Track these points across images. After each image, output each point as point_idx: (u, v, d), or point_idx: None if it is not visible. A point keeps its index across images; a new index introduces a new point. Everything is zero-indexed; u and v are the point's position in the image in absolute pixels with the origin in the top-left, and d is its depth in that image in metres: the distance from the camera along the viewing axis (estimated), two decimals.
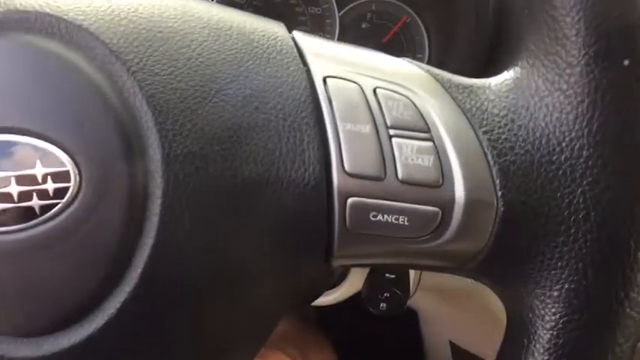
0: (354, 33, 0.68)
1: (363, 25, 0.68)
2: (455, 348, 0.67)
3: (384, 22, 0.68)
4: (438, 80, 0.25)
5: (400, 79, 0.25)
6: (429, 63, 0.68)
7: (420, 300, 0.62)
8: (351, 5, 0.68)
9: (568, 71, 0.23)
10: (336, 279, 0.56)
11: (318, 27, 0.68)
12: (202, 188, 0.22)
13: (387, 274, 0.51)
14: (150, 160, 0.22)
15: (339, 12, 0.68)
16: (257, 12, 0.68)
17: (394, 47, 0.68)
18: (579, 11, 0.22)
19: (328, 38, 0.68)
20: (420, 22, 0.68)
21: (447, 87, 0.25)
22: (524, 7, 0.25)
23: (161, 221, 0.22)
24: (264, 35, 0.25)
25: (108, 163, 0.22)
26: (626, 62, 0.22)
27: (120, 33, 0.23)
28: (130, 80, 0.22)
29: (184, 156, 0.22)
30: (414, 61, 0.26)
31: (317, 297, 0.39)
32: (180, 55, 0.23)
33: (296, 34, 0.27)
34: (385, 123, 0.24)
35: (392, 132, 0.24)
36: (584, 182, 0.22)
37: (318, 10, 0.69)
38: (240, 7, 0.69)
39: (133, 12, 0.24)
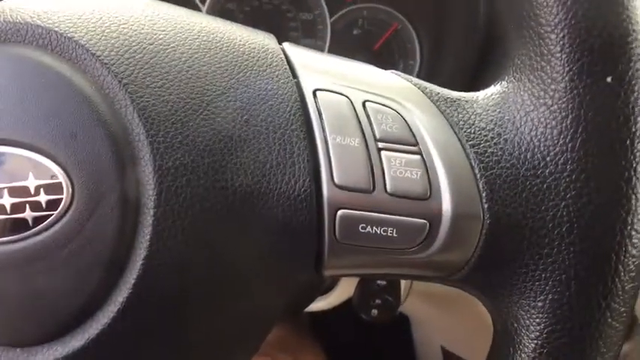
0: (346, 39, 0.69)
1: (355, 32, 0.69)
2: (446, 353, 0.68)
3: (375, 28, 0.68)
4: (426, 93, 0.25)
5: (389, 92, 0.25)
6: (420, 70, 0.69)
7: (412, 305, 0.63)
8: (343, 11, 0.68)
9: (553, 87, 0.23)
10: (328, 285, 0.56)
11: (310, 33, 0.69)
12: (194, 200, 0.22)
13: (379, 281, 0.51)
14: (142, 171, 0.22)
15: (330, 18, 0.68)
16: (248, 18, 0.69)
17: (385, 53, 0.69)
18: (564, 28, 0.23)
19: (320, 44, 0.68)
20: (411, 29, 0.68)
21: (435, 100, 0.25)
22: (511, 22, 0.25)
23: (153, 232, 0.22)
24: (254, 47, 0.26)
25: (100, 175, 0.22)
26: (608, 79, 0.22)
27: (111, 45, 0.23)
28: (122, 92, 0.22)
29: (176, 168, 0.22)
30: (403, 74, 0.27)
31: (309, 304, 0.39)
32: (171, 68, 0.23)
33: (286, 45, 0.27)
34: (374, 136, 0.24)
35: (381, 145, 0.24)
36: (568, 196, 0.23)
37: (310, 16, 0.69)
38: (231, 13, 0.69)
39: (124, 24, 0.24)
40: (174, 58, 0.24)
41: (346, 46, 0.69)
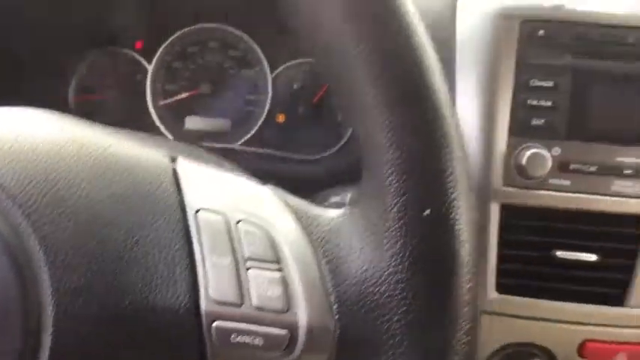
0: (287, 93, 0.72)
1: (295, 86, 0.72)
2: None
3: (314, 82, 0.72)
4: (292, 211, 0.29)
5: (261, 210, 0.29)
6: None
7: None
8: (283, 67, 0.72)
9: (385, 215, 0.27)
10: None
11: (251, 88, 0.72)
12: (88, 317, 0.25)
13: None
14: (43, 294, 0.25)
15: (271, 73, 0.72)
16: (194, 75, 0.72)
17: (325, 105, 0.72)
18: (391, 167, 0.26)
19: (262, 99, 0.72)
20: None
21: (300, 217, 0.29)
22: (360, 151, 0.29)
23: (52, 349, 0.25)
24: (148, 169, 0.29)
25: (4, 299, 0.25)
26: (426, 212, 0.26)
27: (17, 176, 0.26)
28: (25, 222, 0.25)
29: (72, 290, 0.25)
30: (278, 190, 0.30)
31: None
32: (71, 195, 0.26)
33: (179, 163, 0.30)
34: (243, 256, 0.28)
35: (249, 264, 0.27)
36: (399, 311, 0.26)
37: (252, 73, 0.72)
38: (177, 71, 0.72)
39: (33, 150, 0.27)
40: (74, 185, 0.27)
41: (287, 99, 0.72)
